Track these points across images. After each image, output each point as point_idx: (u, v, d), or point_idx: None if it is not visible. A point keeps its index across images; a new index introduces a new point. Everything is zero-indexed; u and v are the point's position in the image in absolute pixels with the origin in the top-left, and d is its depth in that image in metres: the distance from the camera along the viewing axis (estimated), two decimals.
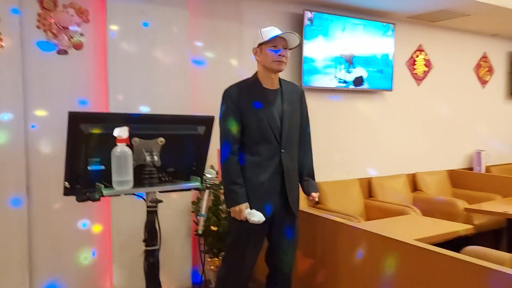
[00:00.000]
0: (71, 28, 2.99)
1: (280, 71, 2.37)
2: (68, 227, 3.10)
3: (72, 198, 2.96)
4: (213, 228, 3.31)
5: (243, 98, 2.31)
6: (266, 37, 2.30)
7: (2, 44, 2.73)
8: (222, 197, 3.46)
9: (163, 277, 2.09)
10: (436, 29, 5.19)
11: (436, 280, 2.19)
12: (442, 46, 5.30)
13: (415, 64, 5.04)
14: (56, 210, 3.05)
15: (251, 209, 2.28)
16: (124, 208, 3.16)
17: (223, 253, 3.33)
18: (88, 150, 1.64)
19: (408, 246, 2.35)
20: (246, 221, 2.27)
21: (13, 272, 2.87)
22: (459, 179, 5.39)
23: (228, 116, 2.28)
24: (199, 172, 1.91)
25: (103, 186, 1.62)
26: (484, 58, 5.77)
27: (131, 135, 1.65)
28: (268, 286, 2.58)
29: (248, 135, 2.31)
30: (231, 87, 2.39)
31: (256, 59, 2.40)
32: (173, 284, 3.33)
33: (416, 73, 5.05)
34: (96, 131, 1.62)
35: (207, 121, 1.90)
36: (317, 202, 4.11)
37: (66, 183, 1.73)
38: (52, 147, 3.01)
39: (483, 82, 5.80)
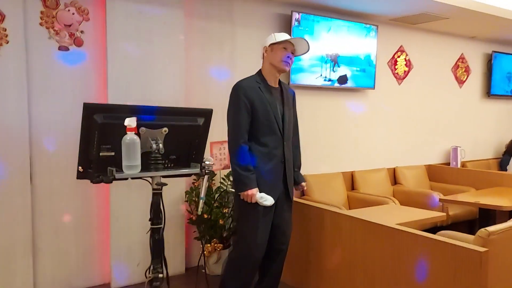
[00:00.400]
0: (72, 25, 3.16)
1: (285, 71, 2.63)
2: (69, 214, 3.26)
3: (72, 187, 3.17)
4: (205, 216, 3.51)
5: (253, 92, 2.54)
6: (279, 39, 2.55)
7: (8, 40, 2.89)
8: (215, 187, 3.68)
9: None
10: (417, 31, 5.42)
11: (410, 257, 2.45)
12: (422, 47, 5.53)
13: (397, 64, 5.27)
14: (57, 198, 3.21)
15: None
16: (121, 198, 3.35)
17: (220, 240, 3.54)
18: (100, 138, 1.83)
19: (384, 228, 2.61)
20: (256, 206, 2.50)
21: (18, 257, 3.03)
22: (436, 173, 5.66)
23: (240, 108, 2.49)
24: (199, 159, 2.12)
25: (114, 169, 1.82)
26: (462, 59, 6.02)
27: (139, 125, 1.85)
28: (266, 263, 2.77)
29: (256, 127, 2.54)
30: (241, 81, 2.61)
31: (264, 57, 2.63)
32: (168, 270, 3.51)
33: (397, 73, 5.30)
34: (108, 121, 1.81)
35: (206, 114, 2.10)
36: (303, 194, 4.36)
37: (80, 167, 1.92)
38: (54, 138, 3.17)
39: (461, 82, 6.06)
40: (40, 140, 3.12)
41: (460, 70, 6.04)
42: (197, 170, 2.07)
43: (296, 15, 4.18)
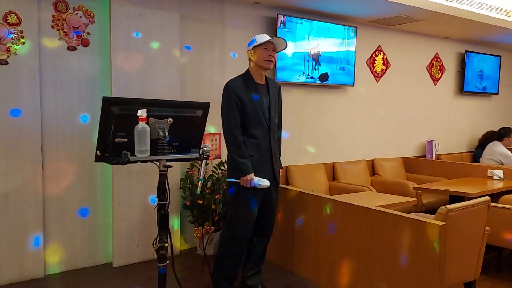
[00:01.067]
0: (79, 27, 3.46)
1: (269, 69, 2.96)
2: (75, 199, 3.57)
3: (78, 175, 3.46)
4: (200, 201, 3.83)
5: (242, 90, 2.87)
6: (260, 41, 2.87)
7: (24, 41, 3.19)
8: (207, 176, 4.01)
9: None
10: (394, 31, 5.76)
11: (382, 232, 2.82)
12: (399, 47, 5.87)
13: (375, 63, 5.63)
14: (65, 184, 3.52)
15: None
16: (123, 184, 3.66)
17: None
18: (116, 126, 2.15)
19: (360, 208, 2.98)
20: (248, 189, 2.84)
21: (30, 237, 3.33)
22: (412, 165, 6.02)
23: (231, 104, 2.83)
24: (198, 146, 2.45)
25: (129, 153, 2.14)
26: (437, 58, 6.38)
27: (148, 116, 2.18)
28: (255, 240, 3.11)
29: (246, 121, 2.87)
30: (231, 81, 2.93)
31: (250, 58, 2.95)
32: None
33: (375, 71, 5.66)
34: (123, 112, 2.13)
35: (204, 106, 2.43)
36: (287, 183, 4.71)
37: (98, 152, 2.23)
38: (63, 129, 3.48)
39: (435, 80, 6.42)
40: (50, 131, 3.42)
41: (435, 68, 6.39)
42: (197, 155, 2.40)
43: (281, 18, 4.52)
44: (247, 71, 3.00)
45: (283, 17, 4.53)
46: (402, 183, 5.17)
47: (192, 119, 2.40)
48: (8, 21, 3.14)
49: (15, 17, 3.16)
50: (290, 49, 4.67)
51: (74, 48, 3.46)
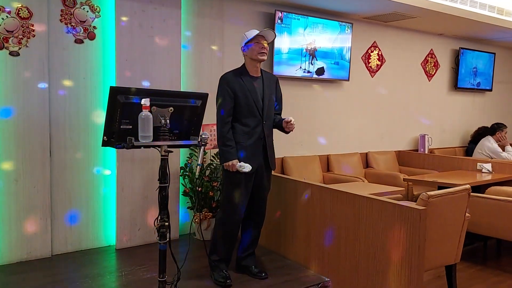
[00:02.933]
0: (86, 21, 3.65)
1: (264, 60, 3.13)
2: (80, 185, 3.77)
3: (84, 161, 3.65)
4: (198, 189, 4.03)
5: (236, 83, 3.06)
6: (250, 37, 3.06)
7: (34, 34, 3.38)
8: (206, 164, 4.20)
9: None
10: (389, 28, 5.90)
11: (367, 216, 3.01)
12: (394, 43, 6.01)
13: (370, 58, 5.79)
14: (70, 170, 3.71)
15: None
16: (126, 171, 3.86)
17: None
18: (121, 114, 2.35)
19: (348, 195, 3.17)
20: (238, 174, 3.02)
21: (38, 220, 3.54)
22: (405, 158, 6.20)
23: (225, 96, 3.03)
24: (196, 134, 2.64)
25: (133, 139, 2.33)
26: (431, 54, 6.52)
27: (151, 104, 2.37)
28: (247, 224, 3.29)
29: (239, 111, 3.07)
30: (226, 74, 3.13)
31: (244, 55, 3.14)
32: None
33: (370, 66, 5.83)
34: (128, 100, 2.33)
35: (203, 97, 2.63)
36: (283, 173, 4.88)
37: (105, 137, 2.43)
38: (69, 118, 3.67)
39: (430, 76, 6.56)
40: (58, 120, 3.61)
41: (429, 64, 6.53)
42: (196, 142, 2.60)
43: (279, 14, 4.69)
44: (243, 65, 3.19)
45: (281, 13, 4.70)
46: (394, 175, 5.34)
47: (192, 108, 2.60)
48: (20, 15, 3.33)
49: (27, 11, 3.35)
50: (287, 44, 4.83)
51: (81, 41, 3.65)
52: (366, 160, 5.88)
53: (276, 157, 4.82)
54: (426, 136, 6.36)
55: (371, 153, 5.90)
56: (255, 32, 3.08)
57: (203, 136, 2.63)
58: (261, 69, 3.22)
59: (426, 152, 6.32)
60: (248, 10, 4.67)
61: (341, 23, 5.22)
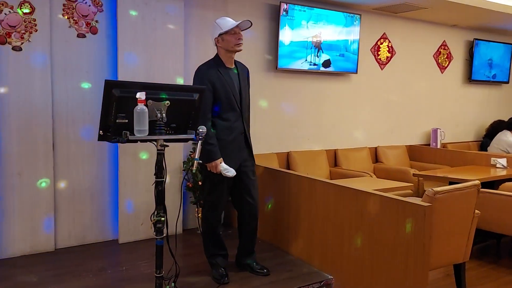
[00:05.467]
0: (88, 16, 3.64)
1: (240, 51, 2.99)
2: (84, 179, 3.78)
3: (86, 155, 3.65)
4: (200, 183, 3.99)
5: (214, 75, 2.93)
6: (225, 28, 2.90)
7: (37, 28, 3.38)
8: None
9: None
10: (399, 19, 5.79)
11: (371, 212, 2.94)
12: (404, 35, 5.89)
13: (379, 50, 5.68)
14: (74, 164, 3.72)
15: (224, 162, 2.93)
16: (129, 166, 3.85)
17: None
18: (117, 108, 2.31)
19: (351, 190, 3.10)
20: (219, 174, 2.93)
21: (42, 214, 3.55)
22: (416, 153, 6.09)
23: (204, 84, 2.82)
24: (194, 127, 2.60)
25: (128, 133, 2.30)
26: (444, 46, 6.38)
27: (147, 98, 2.33)
28: (241, 222, 3.20)
29: (219, 105, 2.94)
30: (202, 66, 2.99)
31: (218, 46, 2.98)
32: (168, 230, 3.99)
33: (380, 59, 5.71)
34: (123, 94, 2.30)
35: (201, 90, 2.57)
36: (288, 168, 4.83)
37: (101, 131, 2.40)
38: (72, 112, 3.67)
39: (442, 68, 6.44)
40: (61, 114, 3.61)
41: (442, 56, 6.40)
42: (192, 136, 2.55)
43: (284, 6, 4.60)
44: (217, 55, 3.03)
45: (286, 4, 4.62)
46: (403, 170, 5.25)
47: (189, 102, 2.55)
48: (22, 10, 3.32)
49: (29, 6, 3.35)
50: (292, 37, 4.75)
51: (84, 36, 3.64)
52: (375, 155, 5.80)
53: (281, 151, 4.89)
54: (438, 130, 6.25)
55: (381, 148, 5.81)
56: (229, 21, 2.93)
57: (200, 130, 2.58)
58: (234, 60, 3.08)
59: (439, 146, 6.22)
60: (252, 1, 4.60)
61: (348, 14, 5.12)
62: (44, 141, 3.51)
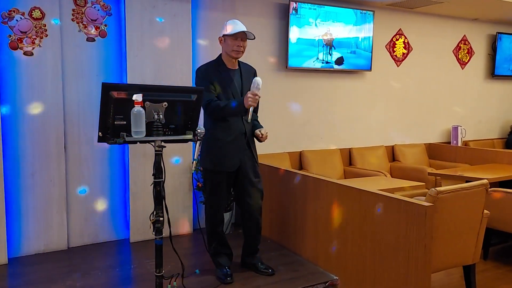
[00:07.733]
0: (97, 20, 3.73)
1: (238, 58, 3.01)
2: (95, 179, 3.87)
3: (98, 156, 3.73)
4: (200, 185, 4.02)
5: (213, 74, 2.97)
6: (229, 31, 2.93)
7: (47, 33, 3.49)
8: None
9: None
10: (416, 14, 5.66)
11: (373, 212, 2.90)
12: (421, 30, 5.76)
13: (395, 47, 5.58)
14: (85, 165, 3.82)
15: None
16: (139, 165, 3.91)
17: None
18: (115, 110, 2.37)
19: (353, 190, 3.07)
20: (218, 175, 2.97)
21: (54, 213, 3.66)
22: (436, 151, 5.96)
23: (207, 87, 2.89)
24: (193, 128, 2.63)
25: (125, 134, 2.36)
26: (464, 40, 6.21)
27: (144, 100, 2.38)
28: (244, 223, 3.21)
29: None
30: (202, 66, 3.03)
31: (222, 46, 3.02)
32: (178, 230, 4.04)
33: (395, 55, 5.61)
34: (121, 96, 2.35)
35: (199, 91, 2.60)
36: (301, 168, 4.80)
37: (100, 133, 2.47)
38: (83, 114, 3.76)
39: (463, 63, 6.26)
40: (72, 116, 3.72)
41: (462, 51, 6.23)
42: (191, 137, 2.59)
43: (293, 4, 4.57)
44: (219, 56, 3.08)
45: (295, 3, 4.59)
46: (420, 169, 5.15)
47: (187, 103, 2.58)
48: (33, 15, 3.44)
49: (39, 11, 3.46)
50: (303, 35, 4.72)
51: (93, 39, 3.73)
52: (392, 153, 5.70)
53: (294, 150, 4.87)
54: (459, 127, 6.09)
55: (398, 146, 5.71)
56: (237, 26, 2.95)
57: (199, 130, 2.61)
58: (239, 62, 3.10)
59: (459, 144, 6.06)
60: (261, 1, 4.58)
61: (361, 11, 5.05)
62: (56, 142, 3.62)
